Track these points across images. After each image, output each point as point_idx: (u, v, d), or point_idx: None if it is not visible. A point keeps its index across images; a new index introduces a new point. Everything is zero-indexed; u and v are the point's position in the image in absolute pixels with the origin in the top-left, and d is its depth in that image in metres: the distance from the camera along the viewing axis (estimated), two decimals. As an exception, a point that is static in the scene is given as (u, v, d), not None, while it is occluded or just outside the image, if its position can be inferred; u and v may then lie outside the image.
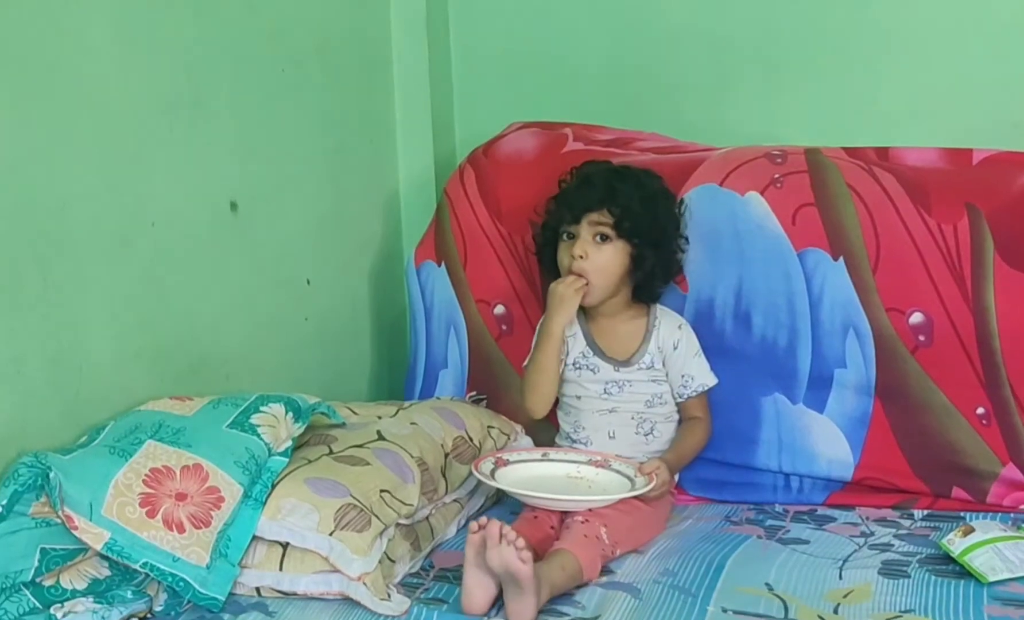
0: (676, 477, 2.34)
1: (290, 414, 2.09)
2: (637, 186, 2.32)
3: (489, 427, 2.40)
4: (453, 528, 2.21)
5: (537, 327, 2.38)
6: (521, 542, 1.80)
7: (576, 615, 1.86)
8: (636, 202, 2.28)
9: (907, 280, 2.31)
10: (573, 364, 2.35)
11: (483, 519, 1.85)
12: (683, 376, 2.32)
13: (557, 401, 2.42)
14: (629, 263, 2.29)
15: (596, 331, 2.35)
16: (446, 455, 2.23)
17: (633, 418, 2.32)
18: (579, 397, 2.35)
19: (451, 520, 2.20)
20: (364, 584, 1.86)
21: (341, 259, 2.76)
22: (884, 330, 2.31)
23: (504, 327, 2.60)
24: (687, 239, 2.39)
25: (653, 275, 2.32)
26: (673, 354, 2.32)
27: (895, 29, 2.68)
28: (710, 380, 2.34)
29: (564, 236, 2.33)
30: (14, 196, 1.90)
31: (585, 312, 2.36)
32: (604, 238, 2.28)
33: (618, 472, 2.21)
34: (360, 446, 2.12)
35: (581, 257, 2.26)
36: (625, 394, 2.32)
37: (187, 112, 2.26)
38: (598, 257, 2.27)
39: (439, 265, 2.65)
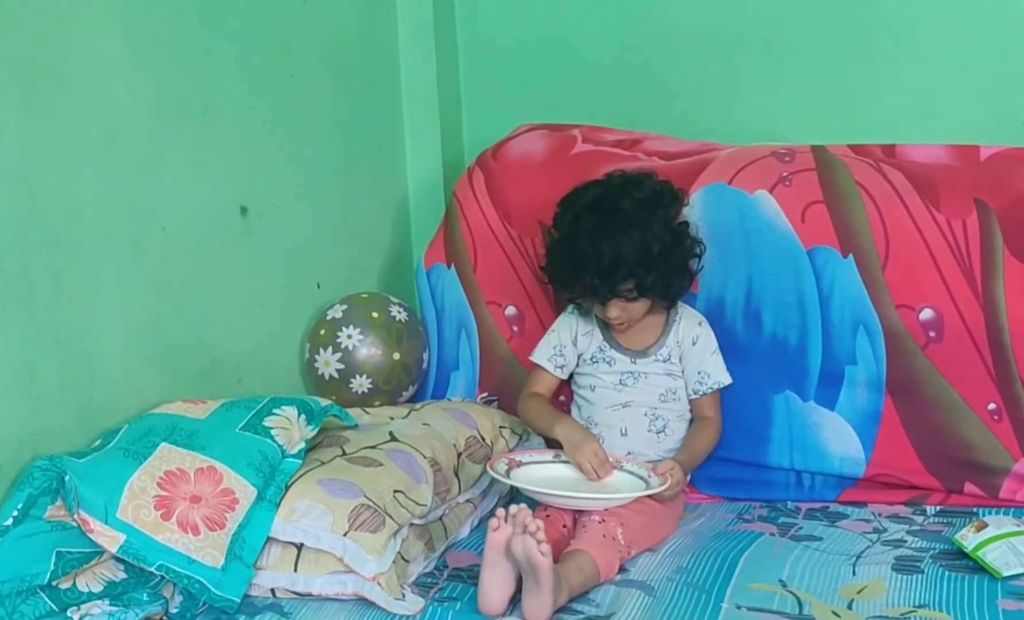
0: (688, 477, 2.34)
1: (303, 416, 2.10)
2: (640, 228, 2.24)
3: (501, 427, 2.40)
4: (466, 528, 2.21)
5: (550, 328, 2.42)
6: (542, 535, 1.81)
7: (590, 613, 1.86)
8: (651, 252, 2.24)
9: (917, 276, 2.32)
10: (590, 359, 2.36)
11: (500, 511, 1.86)
12: (699, 373, 2.33)
13: (570, 397, 2.43)
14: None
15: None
16: (459, 455, 2.24)
17: (646, 414, 2.32)
18: (593, 389, 2.36)
19: (464, 520, 2.21)
20: (379, 584, 1.87)
21: (351, 263, 2.77)
22: (894, 327, 2.32)
23: (515, 328, 2.61)
24: (702, 243, 2.38)
25: (680, 292, 2.35)
26: (691, 349, 2.33)
27: (901, 27, 2.68)
28: (725, 379, 2.35)
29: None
30: (26, 202, 1.91)
31: None
32: (632, 297, 2.27)
33: (630, 473, 2.21)
34: (373, 447, 2.13)
35: (618, 315, 2.28)
36: (640, 385, 2.33)
37: (197, 118, 2.28)
38: (631, 309, 2.29)
39: (449, 267, 2.66)
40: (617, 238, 2.24)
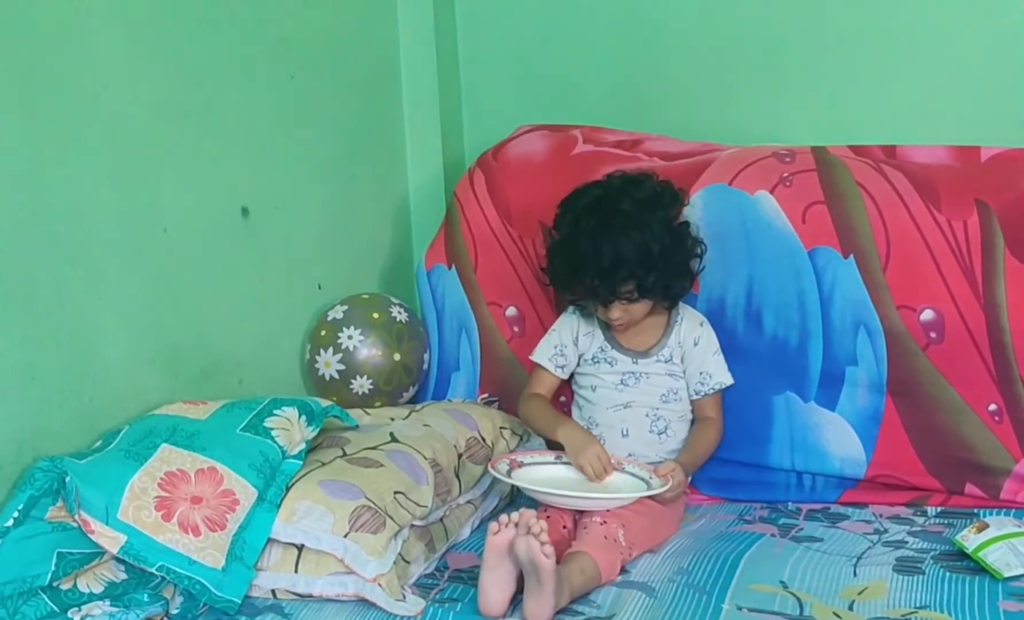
0: (689, 478, 2.34)
1: (303, 417, 2.10)
2: (640, 229, 2.24)
3: (501, 428, 2.40)
4: (467, 529, 2.21)
5: (550, 329, 2.41)
6: (546, 537, 1.81)
7: (591, 614, 1.86)
8: (651, 253, 2.23)
9: (918, 277, 2.32)
10: (592, 359, 2.36)
11: (503, 517, 1.86)
12: (701, 373, 2.34)
13: (571, 397, 2.43)
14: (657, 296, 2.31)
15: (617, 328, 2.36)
16: (459, 456, 2.24)
17: (647, 415, 2.33)
18: (594, 389, 2.36)
19: (465, 521, 2.21)
20: (379, 585, 1.87)
21: (352, 263, 2.77)
22: (895, 327, 2.32)
23: (516, 329, 2.61)
24: (703, 243, 2.37)
25: (681, 293, 2.34)
26: (693, 350, 2.33)
27: (900, 28, 2.67)
28: (727, 379, 2.35)
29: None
30: (28, 204, 1.92)
31: None
32: (632, 297, 2.27)
33: (632, 474, 2.21)
34: (373, 448, 2.13)
35: (618, 317, 2.27)
36: (642, 385, 2.33)
37: (198, 119, 2.28)
38: (632, 309, 2.28)
39: (450, 268, 2.66)
40: (617, 239, 2.23)
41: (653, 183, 2.34)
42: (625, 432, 2.32)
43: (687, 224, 2.37)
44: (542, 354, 2.40)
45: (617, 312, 2.28)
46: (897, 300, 2.32)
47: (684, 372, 2.35)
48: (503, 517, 1.86)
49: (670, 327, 2.35)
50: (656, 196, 2.32)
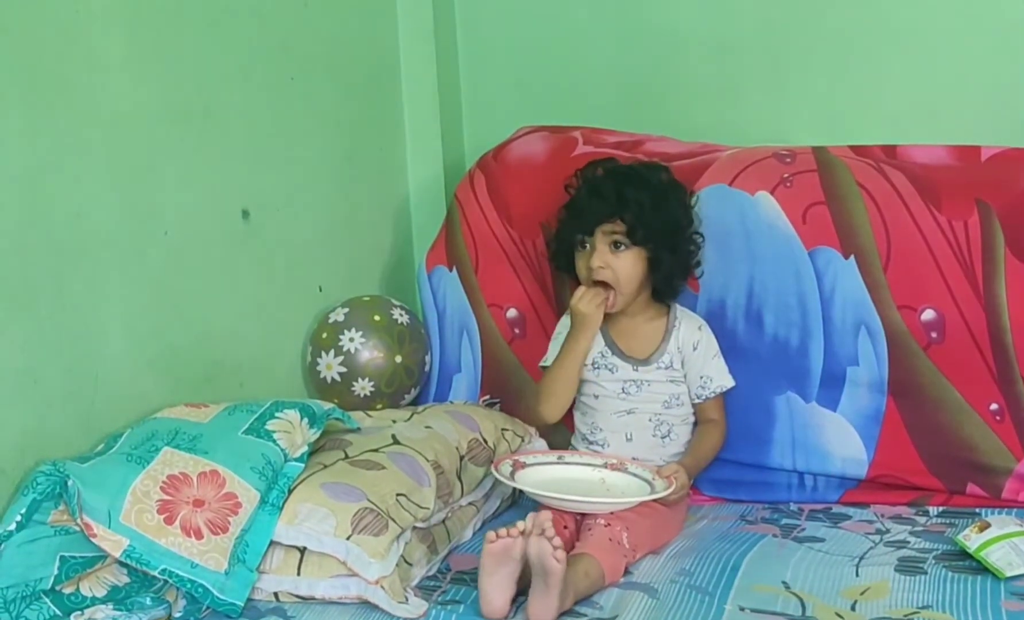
0: (692, 480, 2.34)
1: (305, 420, 2.10)
2: (646, 188, 2.30)
3: (503, 430, 2.40)
4: (469, 530, 2.21)
5: (554, 334, 2.41)
6: (558, 541, 1.81)
7: (594, 615, 1.86)
8: (648, 207, 2.27)
9: (918, 277, 2.32)
10: (592, 364, 2.35)
11: (502, 529, 1.85)
12: (701, 377, 2.33)
13: (573, 402, 2.43)
14: (647, 267, 2.30)
15: (615, 331, 2.36)
16: (461, 458, 2.24)
17: (651, 420, 2.32)
18: (597, 397, 2.35)
19: (467, 523, 2.21)
20: (382, 587, 1.87)
21: (352, 266, 2.77)
22: (896, 327, 2.32)
23: (517, 331, 2.61)
24: (702, 236, 2.39)
25: (672, 275, 2.33)
26: (692, 355, 2.33)
27: (901, 28, 2.67)
28: (728, 382, 2.35)
29: (579, 246, 2.33)
30: (29, 207, 1.92)
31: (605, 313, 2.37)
32: (619, 245, 2.28)
33: (635, 475, 2.21)
34: (375, 450, 2.13)
35: (601, 267, 2.27)
36: (644, 394, 2.32)
37: (198, 122, 2.28)
38: (616, 265, 2.28)
39: (451, 270, 2.66)
40: (626, 183, 2.28)
41: (670, 175, 2.37)
42: (629, 437, 2.32)
43: (693, 221, 2.36)
44: (552, 359, 2.38)
45: (599, 259, 2.26)
46: (898, 300, 2.32)
47: (685, 377, 2.34)
48: (502, 529, 1.85)
49: (668, 332, 2.35)
50: (669, 185, 2.34)
